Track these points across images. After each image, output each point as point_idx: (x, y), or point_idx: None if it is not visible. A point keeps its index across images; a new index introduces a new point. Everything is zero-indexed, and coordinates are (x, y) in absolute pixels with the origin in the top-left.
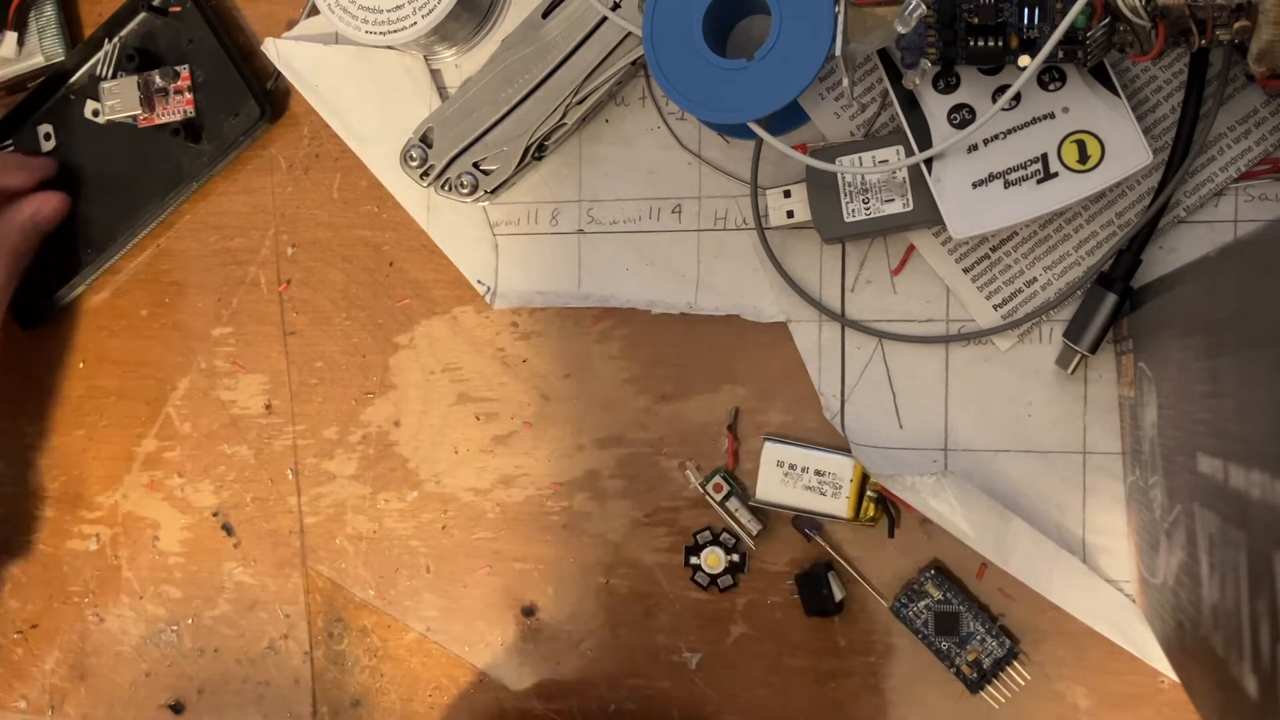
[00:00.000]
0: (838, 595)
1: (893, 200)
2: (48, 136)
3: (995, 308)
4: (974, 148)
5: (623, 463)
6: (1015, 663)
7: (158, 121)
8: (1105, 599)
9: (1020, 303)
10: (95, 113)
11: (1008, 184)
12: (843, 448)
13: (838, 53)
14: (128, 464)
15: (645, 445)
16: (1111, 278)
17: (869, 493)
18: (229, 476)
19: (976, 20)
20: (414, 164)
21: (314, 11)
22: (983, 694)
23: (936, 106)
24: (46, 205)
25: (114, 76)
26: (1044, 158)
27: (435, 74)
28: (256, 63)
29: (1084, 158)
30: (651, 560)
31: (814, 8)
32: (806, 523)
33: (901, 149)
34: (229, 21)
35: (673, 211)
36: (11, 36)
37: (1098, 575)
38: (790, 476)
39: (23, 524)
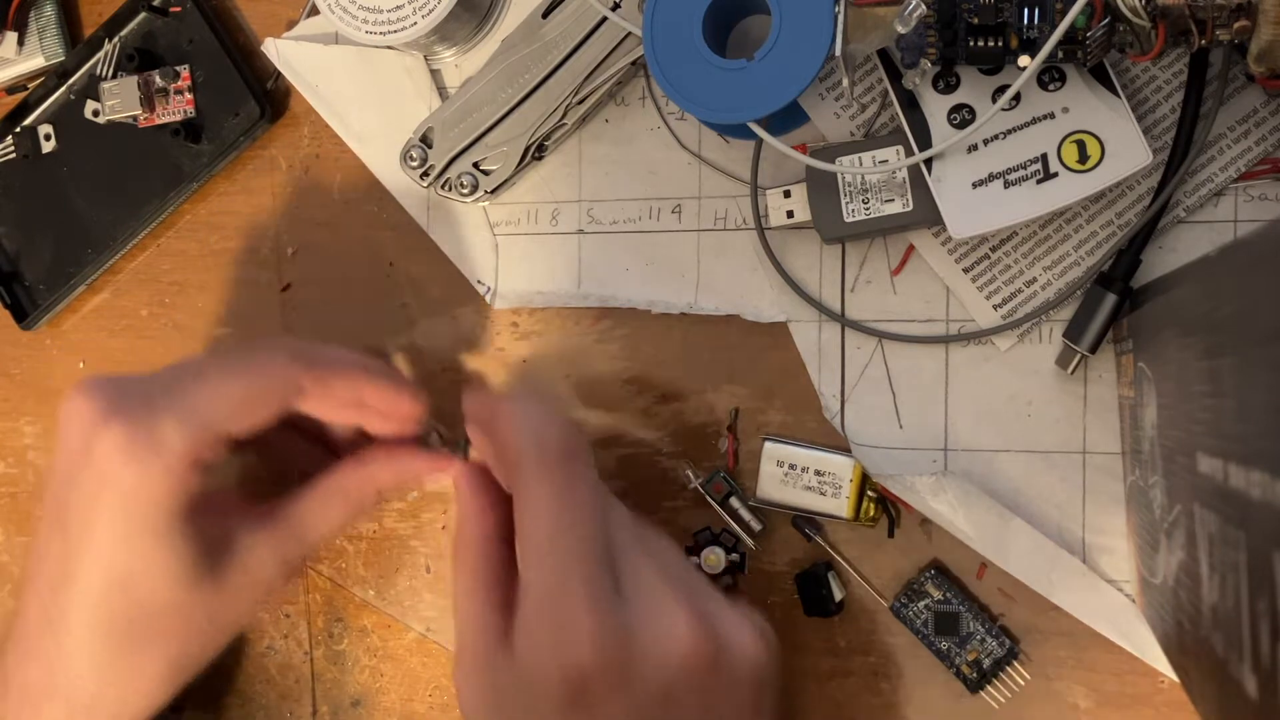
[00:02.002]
0: (838, 595)
1: (893, 200)
2: (48, 137)
3: (995, 308)
4: (974, 148)
5: (623, 463)
6: (1015, 663)
7: (158, 121)
8: (1105, 599)
9: (1020, 303)
10: (95, 113)
11: (1008, 184)
12: (843, 448)
13: (838, 53)
14: None
15: (645, 445)
16: (1111, 278)
17: (869, 493)
18: None
19: (976, 20)
20: (414, 164)
21: (314, 11)
22: (983, 694)
23: (936, 106)
24: (438, 465)
25: (114, 76)
26: (1044, 158)
27: (435, 74)
28: (256, 63)
29: (1084, 158)
30: None
31: (814, 8)
32: (806, 523)
33: (901, 149)
34: (229, 21)
35: (673, 211)
36: (11, 36)
37: (1098, 575)
38: (790, 476)
39: (23, 524)
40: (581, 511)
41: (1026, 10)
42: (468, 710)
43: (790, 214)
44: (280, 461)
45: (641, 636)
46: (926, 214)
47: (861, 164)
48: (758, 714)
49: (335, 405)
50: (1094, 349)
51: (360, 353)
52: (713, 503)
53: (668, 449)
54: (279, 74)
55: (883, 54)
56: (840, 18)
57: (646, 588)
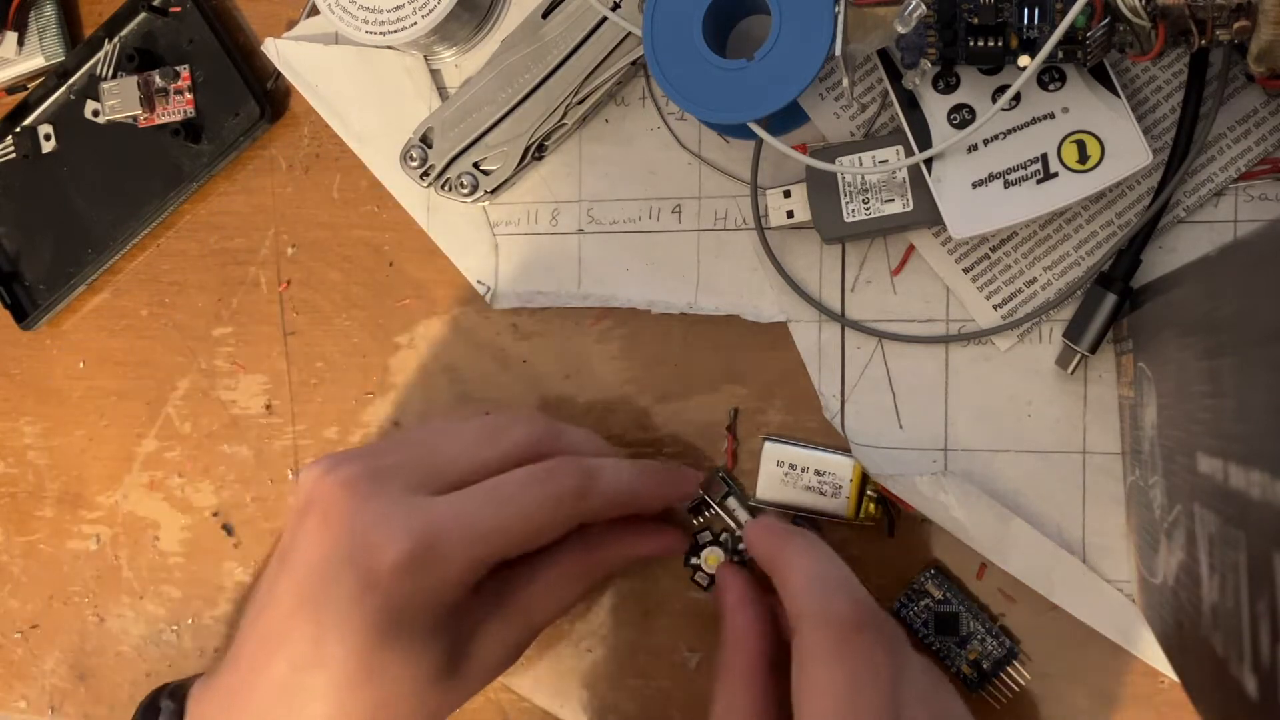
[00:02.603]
0: None
1: (893, 200)
2: (48, 137)
3: (995, 308)
4: (974, 148)
5: None
6: (1015, 663)
7: (158, 121)
8: (1105, 599)
9: (1020, 303)
10: (95, 113)
11: (1008, 184)
12: (843, 448)
13: (838, 53)
14: (128, 464)
15: (645, 445)
16: (1111, 278)
17: (869, 493)
18: (229, 476)
19: (976, 20)
20: (414, 164)
21: (314, 11)
22: (983, 694)
23: (936, 106)
24: (669, 544)
25: (114, 76)
26: (1044, 158)
27: (435, 74)
28: (256, 63)
29: (1084, 158)
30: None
31: (814, 8)
32: (806, 523)
33: (901, 149)
34: (229, 21)
35: (673, 211)
36: (11, 36)
37: (1098, 575)
38: (790, 476)
39: (23, 524)
40: (866, 696)
41: (1026, 10)
42: None
43: (790, 214)
44: None
45: None
46: (926, 214)
47: (861, 164)
48: None
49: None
50: (1094, 349)
51: (644, 464)
52: (712, 503)
53: (668, 449)
54: (279, 74)
55: (883, 54)
56: (840, 18)
57: None
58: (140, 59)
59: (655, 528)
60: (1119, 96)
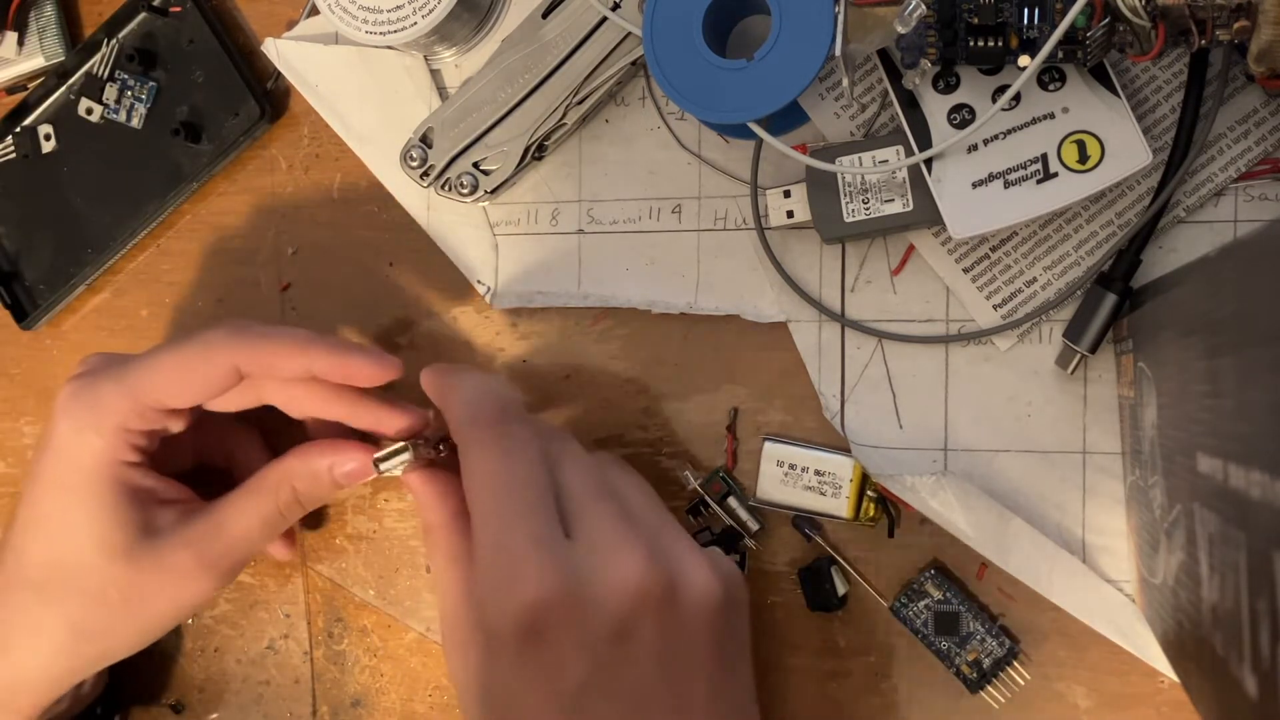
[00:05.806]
0: (841, 590)
1: (893, 200)
2: (48, 137)
3: (995, 308)
4: (974, 148)
5: None
6: (1015, 663)
7: None
8: (1105, 599)
9: (1020, 303)
10: (89, 110)
11: (1007, 184)
12: (843, 448)
13: (838, 53)
14: None
15: (645, 445)
16: (1111, 278)
17: (869, 493)
18: None
19: (976, 20)
20: (414, 164)
21: (314, 11)
22: (983, 694)
23: (936, 106)
24: (349, 461)
25: (112, 76)
26: (1044, 158)
27: (435, 74)
28: (256, 63)
29: (1084, 158)
30: None
31: (814, 8)
32: (806, 522)
33: (901, 149)
34: (229, 21)
35: (673, 211)
36: (11, 36)
37: (1098, 575)
38: (790, 476)
39: None
40: (517, 465)
41: (1026, 10)
42: (450, 670)
43: (790, 214)
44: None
45: (590, 574)
46: (926, 214)
47: (861, 164)
48: (719, 648)
49: (286, 384)
50: (1094, 349)
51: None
52: (712, 503)
53: (668, 449)
54: (279, 74)
55: (883, 54)
56: (840, 18)
57: (598, 529)
58: (140, 59)
59: (340, 443)
60: (1119, 96)
